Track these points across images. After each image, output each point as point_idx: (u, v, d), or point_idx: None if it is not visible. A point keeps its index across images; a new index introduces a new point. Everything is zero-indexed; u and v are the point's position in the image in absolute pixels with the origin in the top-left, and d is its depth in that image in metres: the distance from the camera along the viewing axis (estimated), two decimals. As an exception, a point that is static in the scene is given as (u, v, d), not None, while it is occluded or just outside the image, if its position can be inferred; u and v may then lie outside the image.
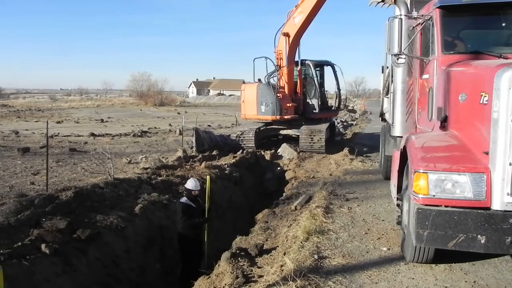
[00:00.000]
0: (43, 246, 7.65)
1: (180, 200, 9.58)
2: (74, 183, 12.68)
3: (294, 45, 19.95)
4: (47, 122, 15.49)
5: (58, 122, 37.21)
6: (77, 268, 7.88)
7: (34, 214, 8.61)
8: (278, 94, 19.36)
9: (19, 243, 7.52)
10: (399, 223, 6.69)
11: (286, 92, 20.12)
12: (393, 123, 9.31)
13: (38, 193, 10.91)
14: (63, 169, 15.88)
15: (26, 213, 8.55)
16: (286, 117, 19.65)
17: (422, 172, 5.37)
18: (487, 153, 5.25)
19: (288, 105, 19.69)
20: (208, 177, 10.47)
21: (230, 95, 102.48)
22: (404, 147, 6.47)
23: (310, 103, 21.21)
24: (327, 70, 22.70)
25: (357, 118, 41.47)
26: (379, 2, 13.11)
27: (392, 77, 9.29)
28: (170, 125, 34.71)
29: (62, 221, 8.50)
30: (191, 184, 9.69)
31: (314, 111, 21.06)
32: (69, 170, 15.70)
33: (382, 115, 13.17)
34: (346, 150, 17.77)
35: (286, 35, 19.50)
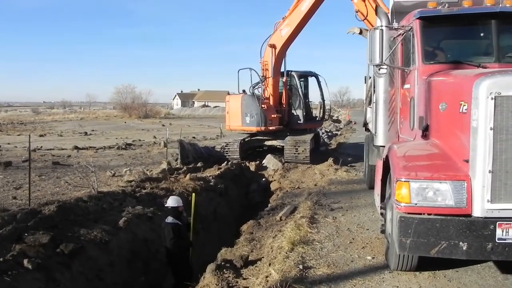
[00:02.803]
0: (25, 261, 7.54)
1: (167, 221, 9.38)
2: (57, 197, 12.57)
3: (280, 56, 20.05)
4: (29, 135, 15.38)
5: (41, 136, 36.89)
6: (61, 283, 7.78)
7: (16, 229, 8.49)
8: (263, 105, 19.39)
9: (1, 259, 7.39)
10: (383, 231, 6.74)
11: (271, 103, 20.15)
12: (376, 132, 9.37)
13: (20, 207, 10.76)
14: (46, 183, 15.74)
15: (8, 228, 8.41)
16: (271, 128, 19.68)
17: (404, 181, 5.42)
18: (467, 161, 5.32)
19: (273, 116, 19.72)
20: (193, 194, 10.46)
21: (215, 107, 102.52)
22: (387, 156, 6.53)
23: (295, 113, 21.29)
24: (311, 80, 22.86)
25: (341, 128, 41.73)
26: (355, 33, 13.33)
27: (374, 87, 9.36)
28: (154, 137, 34.60)
29: (45, 236, 8.40)
30: (174, 201, 9.63)
31: (299, 121, 21.15)
32: (52, 184, 15.56)
33: (365, 125, 13.26)
34: (330, 160, 17.84)
35: (273, 46, 19.59)
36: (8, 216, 9.09)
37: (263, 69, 20.19)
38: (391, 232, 6.04)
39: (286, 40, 19.32)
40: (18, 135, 37.83)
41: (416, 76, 7.24)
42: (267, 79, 20.15)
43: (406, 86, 7.90)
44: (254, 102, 19.51)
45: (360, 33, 13.20)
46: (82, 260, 8.47)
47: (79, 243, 8.71)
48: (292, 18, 18.88)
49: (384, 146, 8.07)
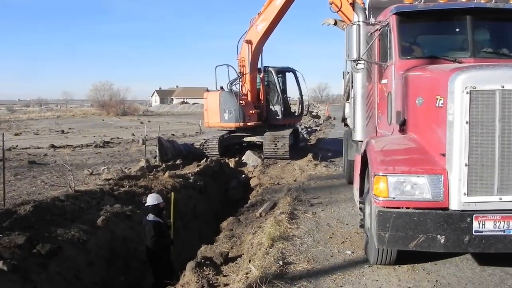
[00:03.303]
0: (0, 263, 7.41)
1: (149, 219, 9.28)
2: (34, 196, 12.36)
3: (257, 52, 20.01)
4: (3, 134, 15.10)
5: (16, 134, 36.32)
6: (38, 284, 7.67)
7: (-9, 230, 8.36)
8: (241, 101, 19.36)
9: (-24, 261, 7.27)
10: (362, 226, 6.78)
11: (249, 99, 20.14)
12: (354, 127, 9.41)
13: (-5, 208, 10.61)
14: (21, 182, 15.47)
15: (-17, 229, 8.29)
16: (249, 124, 19.67)
17: (382, 175, 5.45)
18: (444, 155, 5.38)
19: (251, 112, 19.71)
20: (172, 193, 10.40)
21: (194, 104, 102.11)
22: (365, 151, 6.56)
23: (273, 109, 21.31)
24: (289, 76, 22.88)
25: (321, 124, 41.87)
26: (330, 24, 13.40)
27: (352, 82, 9.40)
28: (133, 134, 34.33)
29: (21, 236, 8.26)
30: (153, 199, 9.55)
31: (277, 117, 21.17)
32: (28, 183, 15.30)
33: (344, 120, 13.32)
34: (310, 156, 17.90)
35: (249, 42, 19.55)
36: (-18, 217, 8.93)
37: (240, 66, 20.13)
38: (370, 226, 6.08)
39: (262, 35, 19.31)
40: (-7, 134, 37.19)
41: (393, 71, 7.29)
42: (244, 75, 20.12)
43: (384, 81, 7.95)
44: (232, 98, 19.48)
45: (335, 24, 13.24)
46: (59, 261, 8.35)
47: (56, 243, 8.58)
48: (267, 13, 18.88)
49: (362, 141, 8.12)
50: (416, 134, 6.35)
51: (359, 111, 9.05)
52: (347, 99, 11.81)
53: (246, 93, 20.28)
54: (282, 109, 21.27)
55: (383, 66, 7.90)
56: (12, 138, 32.24)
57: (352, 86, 9.44)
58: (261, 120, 20.48)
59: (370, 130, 8.88)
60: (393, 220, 5.35)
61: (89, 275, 8.80)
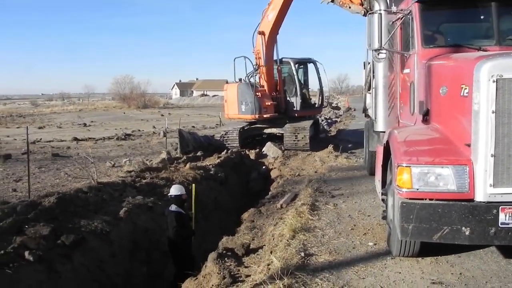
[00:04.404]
0: (26, 253, 7.53)
1: (171, 209, 9.34)
2: (57, 188, 12.56)
3: (271, 43, 20.01)
4: (27, 127, 15.32)
5: (40, 128, 36.88)
6: (62, 274, 7.77)
7: (17, 221, 8.47)
8: (257, 93, 19.41)
9: (2, 251, 7.37)
10: (385, 218, 6.70)
11: (267, 91, 20.13)
12: (375, 118, 9.32)
13: (20, 200, 10.76)
14: (45, 175, 15.71)
15: (8, 221, 8.39)
16: (265, 115, 19.70)
17: (405, 166, 5.38)
18: (469, 145, 5.27)
19: (267, 103, 19.71)
20: (193, 185, 10.43)
21: (214, 96, 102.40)
22: (387, 142, 6.49)
23: (292, 101, 21.23)
24: (310, 67, 22.75)
25: (341, 115, 41.66)
26: (329, 3, 13.26)
27: (373, 72, 9.30)
28: (154, 127, 34.59)
29: (46, 228, 8.38)
30: (177, 190, 9.59)
31: (295, 109, 21.06)
32: (52, 175, 15.54)
33: (365, 111, 13.20)
34: (330, 147, 17.81)
35: (262, 33, 19.61)
36: (8, 209, 9.07)
37: (256, 58, 20.20)
38: (393, 218, 6.00)
39: (273, 24, 19.35)
40: (17, 127, 37.78)
41: (415, 60, 7.18)
42: (260, 67, 20.12)
43: (406, 70, 7.84)
44: (249, 90, 19.52)
45: (332, 1, 13.08)
46: (83, 251, 8.45)
47: (80, 234, 8.69)
48: (275, 2, 19.01)
49: (384, 132, 8.03)
50: (440, 124, 6.25)
51: (380, 101, 8.95)
52: (368, 89, 11.71)
53: (263, 85, 20.28)
54: (301, 100, 21.14)
55: (405, 55, 7.79)
56: (36, 131, 32.73)
57: (373, 76, 9.35)
58: (279, 112, 20.44)
59: (392, 120, 8.79)
60: (416, 211, 5.28)
61: (112, 266, 8.89)
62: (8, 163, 18.31)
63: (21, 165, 17.35)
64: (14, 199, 11.56)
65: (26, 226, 8.37)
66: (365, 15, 14.62)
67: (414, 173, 5.32)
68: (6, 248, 7.51)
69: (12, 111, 69.80)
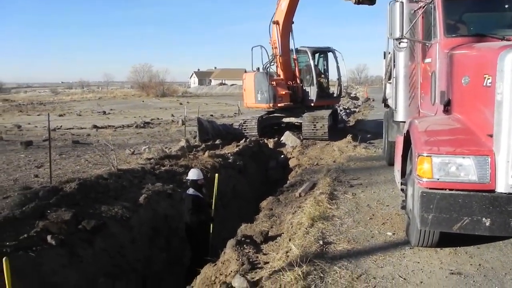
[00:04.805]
0: (49, 237, 7.68)
1: (188, 192, 9.46)
2: (78, 175, 12.74)
3: (286, 32, 20.03)
4: (48, 114, 15.52)
5: (60, 115, 37.30)
6: (84, 259, 7.90)
7: (39, 206, 8.63)
8: (272, 82, 19.43)
9: (25, 235, 7.53)
10: (404, 207, 6.70)
11: (283, 80, 20.12)
12: (396, 108, 9.28)
13: (42, 185, 10.94)
14: (66, 161, 15.94)
15: (31, 206, 8.56)
16: (279, 104, 19.74)
17: (426, 156, 5.35)
18: (491, 136, 5.23)
19: (282, 92, 19.70)
20: (216, 175, 10.49)
21: (232, 85, 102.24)
22: (408, 132, 6.45)
23: (309, 90, 21.13)
24: (330, 57, 22.61)
25: (359, 105, 41.36)
26: None
27: (394, 62, 9.26)
28: (172, 115, 34.75)
29: (67, 213, 8.52)
30: (194, 174, 9.67)
31: (312, 98, 20.96)
32: (73, 162, 15.76)
33: (385, 100, 13.13)
34: (349, 137, 17.70)
35: (276, 23, 19.68)
36: (31, 194, 9.24)
37: (273, 48, 20.23)
38: (412, 207, 5.99)
39: (286, 13, 19.44)
40: (38, 115, 38.28)
41: (437, 49, 7.12)
42: (276, 57, 20.10)
43: (427, 60, 7.78)
44: (265, 79, 19.57)
45: None
46: (104, 237, 8.58)
47: (101, 220, 8.81)
48: None
49: (404, 122, 7.99)
50: (462, 114, 6.20)
51: (401, 91, 8.91)
52: (389, 79, 11.64)
53: (280, 74, 20.26)
54: (319, 90, 20.98)
55: (427, 44, 7.73)
56: (57, 119, 33.11)
57: (394, 65, 9.31)
58: (296, 101, 20.39)
59: (413, 110, 8.74)
60: (437, 201, 5.26)
61: (132, 251, 9.01)
62: (30, 149, 18.60)
63: (42, 151, 17.62)
64: (36, 184, 11.76)
65: (48, 211, 8.53)
66: (356, 3, 14.69)
67: (435, 163, 5.30)
68: (29, 232, 7.67)
69: (32, 99, 70.59)
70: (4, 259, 4.60)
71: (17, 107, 50.51)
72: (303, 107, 20.38)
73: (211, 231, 9.87)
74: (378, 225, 7.45)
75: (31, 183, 12.24)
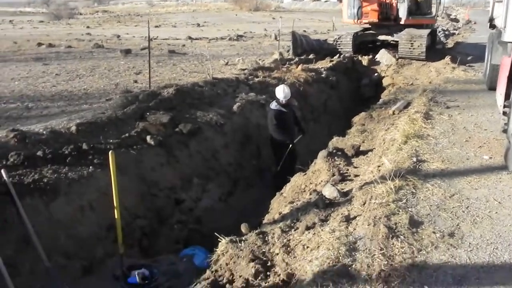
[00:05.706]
0: (148, 137, 8.15)
1: (271, 107, 9.39)
2: (175, 81, 13.12)
3: None
4: (148, 21, 15.92)
5: (156, 27, 38.05)
6: (179, 159, 8.36)
7: (139, 108, 9.09)
8: None
9: (127, 134, 8.02)
10: (505, 131, 6.41)
11: None
12: (505, 27, 8.66)
13: (141, 89, 11.46)
14: (163, 69, 16.47)
15: (132, 107, 9.03)
16: (364, 21, 18.94)
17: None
18: None
19: (369, 9, 18.74)
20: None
21: (326, 1, 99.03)
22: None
23: (401, 7, 19.92)
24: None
25: (459, 28, 38.92)
26: None
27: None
28: (265, 29, 34.48)
29: (165, 116, 8.93)
30: (279, 93, 9.36)
31: (400, 16, 19.79)
32: (169, 70, 16.26)
33: (491, 21, 12.27)
34: (447, 59, 16.83)
35: None
36: (131, 97, 9.72)
37: None
38: (515, 131, 5.74)
39: None
40: (135, 26, 39.35)
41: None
42: None
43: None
44: None
45: None
46: (198, 140, 8.96)
47: (196, 124, 9.17)
48: None
49: (512, 42, 7.48)
50: None
51: (513, 7, 8.26)
52: (498, -3, 10.80)
53: None
54: (408, 6, 19.72)
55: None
56: (153, 29, 33.70)
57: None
58: (388, 18, 19.39)
59: (525, 30, 8.13)
60: (543, 123, 5.00)
61: (225, 155, 9.37)
62: (129, 57, 19.34)
63: (140, 59, 18.28)
64: (135, 89, 12.33)
65: (147, 114, 8.98)
66: None
67: None
68: (130, 132, 8.16)
69: (130, 11, 72.29)
70: (110, 152, 4.94)
71: (115, 18, 52.06)
72: (399, 25, 19.42)
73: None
74: (474, 148, 7.22)
75: (131, 87, 12.83)
